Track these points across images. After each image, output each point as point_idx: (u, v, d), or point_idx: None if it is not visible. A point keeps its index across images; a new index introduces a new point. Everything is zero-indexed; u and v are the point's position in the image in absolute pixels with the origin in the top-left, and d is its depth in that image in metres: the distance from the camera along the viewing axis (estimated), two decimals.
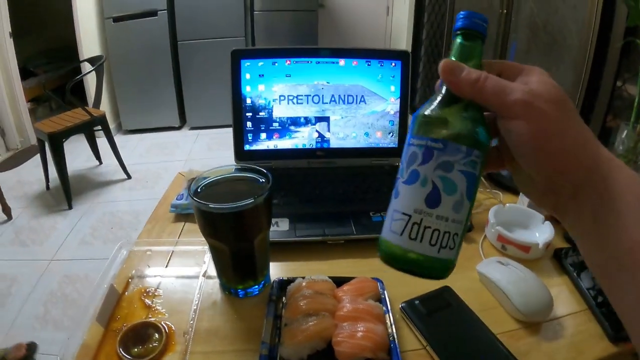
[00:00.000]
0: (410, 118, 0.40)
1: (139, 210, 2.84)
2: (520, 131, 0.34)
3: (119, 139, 3.24)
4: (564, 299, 0.71)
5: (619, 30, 1.93)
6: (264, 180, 0.68)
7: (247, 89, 1.03)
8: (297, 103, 1.05)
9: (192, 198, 0.62)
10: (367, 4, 4.59)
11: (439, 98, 0.38)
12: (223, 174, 0.71)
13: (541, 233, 0.85)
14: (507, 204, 0.90)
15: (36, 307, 2.03)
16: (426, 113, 0.38)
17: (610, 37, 1.97)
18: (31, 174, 3.45)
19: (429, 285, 0.71)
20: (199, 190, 0.68)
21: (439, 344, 0.62)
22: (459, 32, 0.38)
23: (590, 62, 2.05)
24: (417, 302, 0.68)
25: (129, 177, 3.30)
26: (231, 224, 0.64)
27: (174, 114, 4.30)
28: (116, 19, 3.88)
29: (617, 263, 0.33)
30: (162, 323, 0.69)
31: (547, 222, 0.84)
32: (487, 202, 0.99)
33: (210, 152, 3.80)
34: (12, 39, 3.77)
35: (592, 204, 0.35)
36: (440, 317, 0.66)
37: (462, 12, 0.38)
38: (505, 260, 0.75)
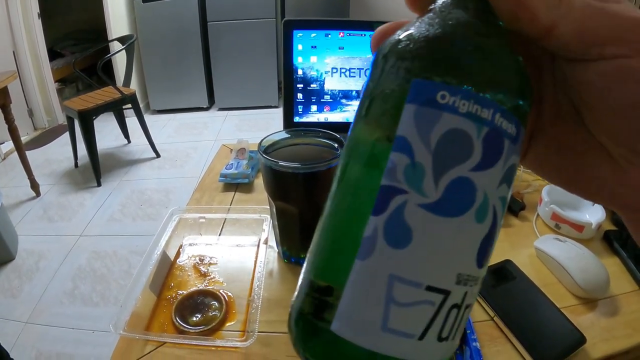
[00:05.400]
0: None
1: (169, 189, 2.83)
2: None
3: (147, 119, 3.21)
4: (616, 279, 0.70)
5: None
6: (336, 144, 0.65)
7: (298, 60, 0.99)
8: (350, 76, 1.01)
9: (263, 156, 0.58)
10: None
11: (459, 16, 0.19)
12: (292, 137, 0.68)
13: (592, 214, 0.84)
14: None
15: (64, 283, 2.03)
16: (485, 46, 0.19)
17: None
18: (59, 153, 3.48)
19: (491, 259, 0.71)
20: (268, 150, 0.64)
21: (507, 316, 0.61)
22: None
23: None
24: None
25: (158, 155, 3.29)
26: (304, 185, 0.60)
27: (202, 94, 4.28)
28: (146, 0, 3.87)
29: None
30: (221, 291, 0.66)
31: (597, 205, 0.84)
32: (536, 183, 0.98)
33: (239, 132, 3.76)
34: (40, 20, 3.79)
35: None
36: (506, 289, 0.66)
37: None
38: (562, 237, 0.75)
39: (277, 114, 3.92)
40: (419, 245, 0.17)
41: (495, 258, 0.71)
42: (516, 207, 0.86)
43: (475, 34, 0.19)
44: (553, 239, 0.74)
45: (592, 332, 0.59)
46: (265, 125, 3.85)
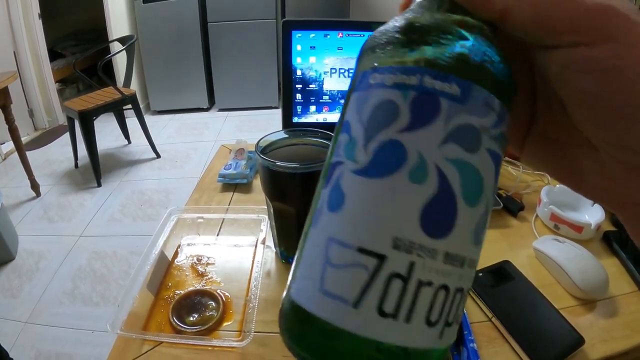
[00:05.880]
0: None
1: (169, 189, 2.83)
2: (615, 64, 0.18)
3: (147, 119, 3.20)
4: (615, 280, 0.69)
5: None
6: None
7: (297, 61, 0.99)
8: (349, 77, 1.01)
9: (260, 156, 0.58)
10: None
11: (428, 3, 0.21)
12: (290, 137, 0.68)
13: (591, 215, 0.84)
14: (557, 185, 0.89)
15: (64, 283, 2.03)
16: (414, 22, 0.20)
17: None
18: (59, 153, 3.48)
19: (489, 259, 0.71)
20: (266, 150, 0.64)
21: (505, 316, 0.61)
22: None
23: None
24: (480, 274, 0.68)
25: (158, 156, 3.29)
26: (301, 185, 0.60)
27: (202, 95, 4.28)
28: (146, 0, 3.87)
29: None
30: (218, 291, 0.66)
31: (597, 205, 0.84)
32: (535, 184, 0.98)
33: (239, 133, 3.76)
34: (40, 20, 3.79)
35: None
36: (504, 290, 0.65)
37: None
38: (561, 238, 0.74)
39: (278, 115, 3.91)
40: (350, 207, 0.18)
41: (493, 259, 0.71)
42: (515, 208, 0.86)
43: (414, 20, 0.20)
44: (552, 240, 0.74)
45: (590, 333, 0.59)
46: (265, 125, 3.85)
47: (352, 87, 0.21)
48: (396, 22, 0.20)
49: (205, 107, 4.35)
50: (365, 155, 0.18)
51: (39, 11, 3.75)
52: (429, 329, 0.17)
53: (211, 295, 0.65)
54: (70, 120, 2.96)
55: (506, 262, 0.70)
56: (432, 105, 0.18)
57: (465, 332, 0.57)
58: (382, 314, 0.17)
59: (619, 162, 0.21)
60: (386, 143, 0.18)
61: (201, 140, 3.65)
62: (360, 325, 0.17)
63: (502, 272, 0.68)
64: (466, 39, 0.19)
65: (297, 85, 1.00)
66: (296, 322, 0.19)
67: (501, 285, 0.66)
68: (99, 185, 2.91)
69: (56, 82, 4.26)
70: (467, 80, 0.18)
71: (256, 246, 0.73)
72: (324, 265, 0.18)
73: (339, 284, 0.17)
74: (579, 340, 0.57)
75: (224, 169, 0.97)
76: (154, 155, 3.29)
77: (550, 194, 0.85)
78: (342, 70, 1.00)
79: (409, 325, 0.17)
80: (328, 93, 1.02)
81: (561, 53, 0.19)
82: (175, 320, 0.62)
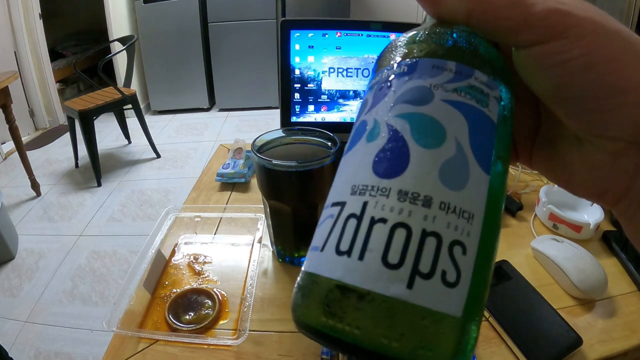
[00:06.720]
0: None
1: (169, 189, 2.83)
2: (566, 57, 0.19)
3: (148, 119, 3.21)
4: (614, 280, 0.69)
5: None
6: (330, 143, 0.65)
7: (296, 60, 0.99)
8: (347, 76, 1.01)
9: (256, 154, 0.58)
10: None
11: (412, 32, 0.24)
12: (287, 136, 0.68)
13: (590, 214, 0.83)
14: (556, 185, 0.87)
15: (64, 282, 2.03)
16: (388, 46, 0.24)
17: None
18: (60, 153, 3.49)
19: None
20: (262, 149, 0.64)
21: (502, 316, 0.60)
22: None
23: None
24: None
25: (158, 156, 3.29)
26: (297, 184, 0.60)
27: (203, 95, 4.29)
28: (147, 0, 3.87)
29: None
30: (215, 290, 0.66)
31: (596, 205, 0.84)
32: (534, 184, 0.97)
33: (239, 133, 3.75)
34: (41, 21, 3.80)
35: None
36: (502, 289, 0.65)
37: None
38: (559, 238, 0.74)
39: (278, 115, 3.89)
40: (333, 183, 0.21)
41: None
42: (514, 208, 0.85)
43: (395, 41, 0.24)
44: (550, 239, 0.74)
45: (589, 333, 0.58)
46: (265, 125, 3.85)
47: None
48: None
49: (205, 107, 4.35)
50: (348, 142, 0.22)
51: (39, 11, 3.75)
52: (388, 271, 0.16)
53: (207, 294, 0.65)
54: (71, 120, 2.97)
55: (504, 261, 0.70)
56: (385, 87, 0.21)
57: None
58: (338, 252, 0.17)
59: (601, 151, 0.21)
60: (357, 125, 0.22)
61: (201, 140, 3.65)
62: (321, 265, 0.18)
63: (500, 272, 0.68)
64: (421, 39, 0.22)
65: (295, 85, 1.00)
66: (300, 286, 0.20)
67: (499, 285, 0.65)
68: (99, 185, 2.91)
69: (57, 82, 4.27)
70: (414, 58, 0.21)
71: (253, 245, 0.73)
72: (316, 229, 0.20)
73: (316, 236, 0.19)
74: (577, 341, 0.56)
75: (222, 168, 0.97)
76: (154, 155, 3.29)
77: (549, 193, 0.85)
78: (340, 70, 1.00)
79: (362, 263, 0.17)
80: (326, 92, 1.01)
81: (523, 53, 0.21)
82: (172, 319, 0.61)
